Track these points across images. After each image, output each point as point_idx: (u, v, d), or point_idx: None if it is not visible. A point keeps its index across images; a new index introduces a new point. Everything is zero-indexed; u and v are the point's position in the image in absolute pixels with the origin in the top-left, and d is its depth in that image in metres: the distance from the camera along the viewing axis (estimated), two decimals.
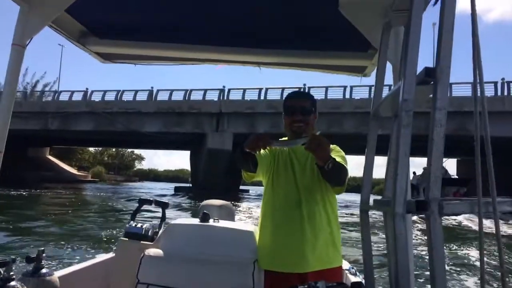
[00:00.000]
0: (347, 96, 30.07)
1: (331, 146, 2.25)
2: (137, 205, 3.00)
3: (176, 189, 36.83)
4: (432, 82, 1.00)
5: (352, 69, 2.86)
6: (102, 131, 32.78)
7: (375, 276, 1.47)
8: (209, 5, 2.31)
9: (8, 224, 12.51)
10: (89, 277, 2.52)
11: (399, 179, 1.00)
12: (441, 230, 0.98)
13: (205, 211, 2.42)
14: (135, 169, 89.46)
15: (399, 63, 1.66)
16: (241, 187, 37.31)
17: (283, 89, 29.64)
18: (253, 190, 39.91)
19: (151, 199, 3.08)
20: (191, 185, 35.80)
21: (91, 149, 68.72)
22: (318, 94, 29.43)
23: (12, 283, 1.73)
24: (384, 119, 1.53)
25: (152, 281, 2.11)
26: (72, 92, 35.09)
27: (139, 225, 2.70)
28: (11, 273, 1.75)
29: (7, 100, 2.04)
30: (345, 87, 30.35)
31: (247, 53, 2.78)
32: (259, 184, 2.36)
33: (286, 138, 2.31)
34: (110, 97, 33.63)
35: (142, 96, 33.19)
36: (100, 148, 70.85)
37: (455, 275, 8.08)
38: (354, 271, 2.75)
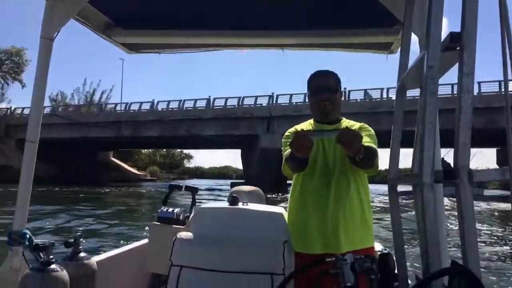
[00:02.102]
0: (384, 96, 32.05)
1: (359, 124, 2.21)
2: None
3: (232, 185, 38.92)
4: (458, 48, 0.97)
5: (378, 47, 2.79)
6: (167, 136, 37.85)
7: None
8: None
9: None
10: (125, 261, 2.61)
11: (426, 149, 0.98)
12: (471, 200, 0.96)
13: (234, 195, 2.44)
14: (183, 167, 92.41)
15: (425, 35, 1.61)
16: (288, 181, 38.73)
17: None
18: None
19: (181, 184, 3.13)
20: (240, 180, 38.95)
21: (145, 150, 71.65)
22: (358, 96, 33.02)
23: (52, 266, 1.80)
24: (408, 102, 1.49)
25: (185, 263, 2.15)
26: (141, 103, 40.87)
27: (170, 209, 2.75)
28: (51, 256, 1.83)
29: (39, 93, 2.10)
30: (382, 89, 32.34)
31: (269, 35, 2.76)
32: None
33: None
34: (173, 105, 39.45)
35: (201, 104, 38.55)
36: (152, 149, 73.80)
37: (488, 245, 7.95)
38: (386, 252, 2.71)
